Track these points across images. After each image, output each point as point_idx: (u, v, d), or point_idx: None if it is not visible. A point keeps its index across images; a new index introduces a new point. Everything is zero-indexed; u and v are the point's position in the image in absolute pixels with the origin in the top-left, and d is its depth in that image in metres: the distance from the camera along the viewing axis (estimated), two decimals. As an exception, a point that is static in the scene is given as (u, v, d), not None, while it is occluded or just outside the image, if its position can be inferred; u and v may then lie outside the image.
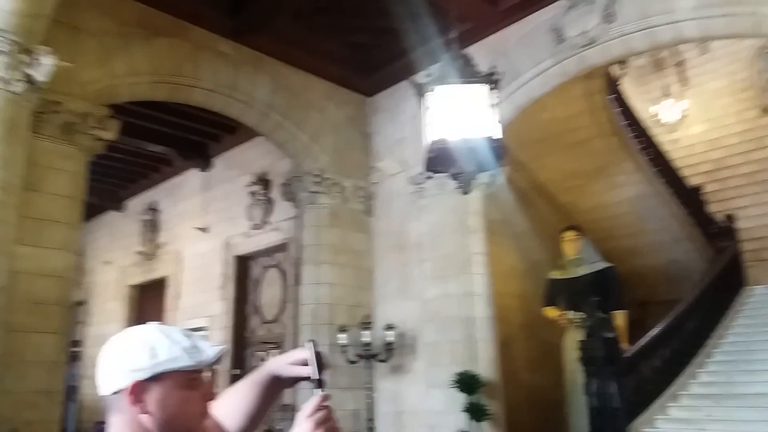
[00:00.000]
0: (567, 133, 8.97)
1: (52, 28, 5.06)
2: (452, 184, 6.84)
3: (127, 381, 1.19)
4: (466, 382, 5.94)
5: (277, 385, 1.51)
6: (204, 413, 1.26)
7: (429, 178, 7.02)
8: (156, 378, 1.19)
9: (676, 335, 8.14)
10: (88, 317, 12.69)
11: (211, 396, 1.28)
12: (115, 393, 1.20)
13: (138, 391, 1.18)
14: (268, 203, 9.08)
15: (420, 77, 3.71)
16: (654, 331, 7.90)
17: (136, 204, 12.17)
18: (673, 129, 12.47)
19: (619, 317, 7.95)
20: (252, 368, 8.70)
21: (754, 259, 11.00)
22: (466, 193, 6.79)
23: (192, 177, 10.88)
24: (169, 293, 10.61)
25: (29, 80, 4.85)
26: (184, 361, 1.22)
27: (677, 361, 7.98)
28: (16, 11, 4.63)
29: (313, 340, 1.45)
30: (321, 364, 1.40)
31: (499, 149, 3.32)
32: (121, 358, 1.21)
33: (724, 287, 9.47)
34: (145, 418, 1.18)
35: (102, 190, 11.92)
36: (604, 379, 7.01)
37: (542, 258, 9.34)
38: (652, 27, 5.93)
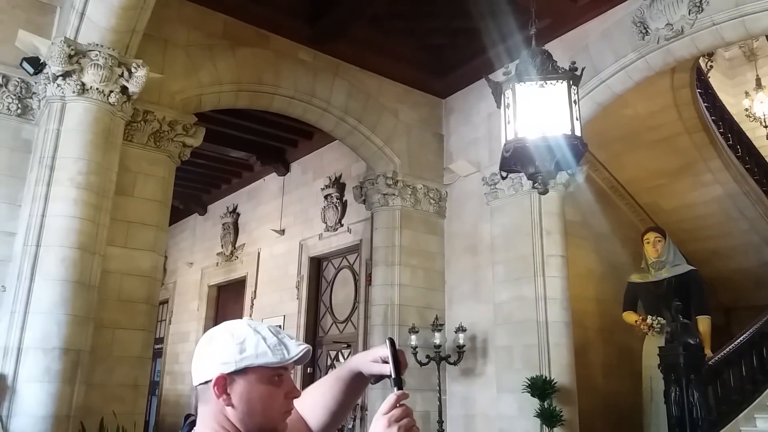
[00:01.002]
0: (650, 130, 8.64)
1: (144, 41, 5.42)
2: (527, 184, 6.83)
3: (215, 373, 1.23)
4: (539, 387, 5.85)
5: (360, 381, 1.53)
6: (287, 410, 1.29)
7: (504, 178, 6.94)
8: (241, 372, 1.22)
9: (765, 342, 7.67)
10: (170, 315, 13.39)
11: (295, 393, 1.30)
12: (204, 383, 1.25)
13: (222, 383, 1.22)
14: (342, 206, 9.28)
15: (497, 76, 3.69)
16: (741, 337, 7.48)
17: (218, 207, 12.74)
18: (766, 123, 11.71)
19: (703, 323, 7.61)
20: (327, 367, 8.96)
21: None
22: (543, 193, 6.67)
23: (270, 181, 11.28)
24: (247, 292, 11.04)
25: (123, 92, 5.24)
26: (269, 357, 1.26)
27: (766, 370, 7.52)
28: (112, 27, 5.01)
29: (391, 338, 1.47)
30: (399, 363, 1.41)
31: (579, 147, 3.26)
32: (212, 350, 1.25)
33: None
34: (230, 411, 1.21)
35: (187, 194, 12.57)
36: (685, 387, 6.72)
37: (622, 261, 9.05)
38: (746, 15, 5.61)
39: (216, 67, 6.45)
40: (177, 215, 13.40)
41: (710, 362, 7.06)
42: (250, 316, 10.78)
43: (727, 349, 7.32)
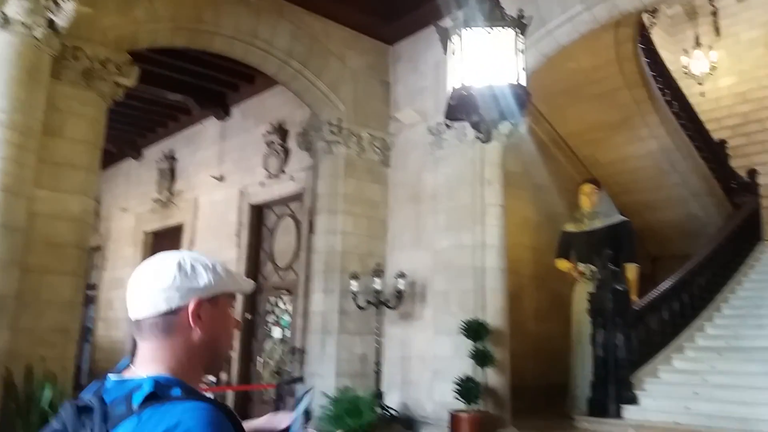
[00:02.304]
0: (592, 84, 8.80)
1: (74, -26, 5.04)
2: (471, 134, 6.86)
3: (186, 299, 1.13)
4: (474, 330, 6.06)
5: None
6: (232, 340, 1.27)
7: (448, 126, 7.01)
8: (213, 299, 1.17)
9: (687, 289, 8.17)
10: (104, 262, 13.04)
11: (238, 324, 1.26)
12: (166, 314, 1.13)
13: (199, 309, 1.14)
14: (285, 153, 9.13)
15: (445, 22, 3.64)
16: (664, 285, 7.94)
17: (154, 152, 12.31)
18: (701, 81, 12.13)
19: (631, 270, 8.02)
20: (266, 313, 8.97)
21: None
22: (486, 141, 6.76)
23: (210, 126, 10.95)
24: (185, 239, 10.84)
25: (50, 26, 4.90)
26: (234, 286, 1.21)
27: (686, 315, 8.05)
28: (37, -42, 4.64)
29: (310, 390, 1.45)
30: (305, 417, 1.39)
31: (523, 97, 3.27)
32: (177, 277, 1.14)
33: (739, 243, 9.43)
34: (196, 340, 1.14)
35: (120, 137, 12.05)
36: (611, 331, 7.12)
37: (558, 211, 9.35)
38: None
39: (152, 3, 6.11)
40: (110, 159, 12.86)
41: (635, 307, 7.49)
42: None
43: (651, 296, 7.77)
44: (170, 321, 1.12)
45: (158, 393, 1.01)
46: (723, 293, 8.59)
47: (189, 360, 1.13)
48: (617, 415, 6.83)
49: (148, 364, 1.11)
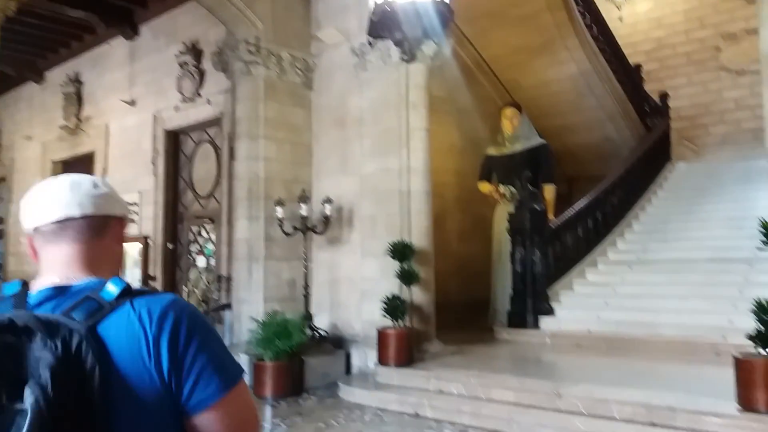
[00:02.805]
0: (515, 6, 8.75)
1: None
2: (396, 56, 6.71)
3: (112, 212, 1.10)
4: (400, 251, 6.14)
5: None
6: None
7: (372, 45, 6.80)
8: (123, 220, 1.15)
9: (600, 208, 8.59)
10: (10, 194, 12.22)
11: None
12: (97, 216, 1.07)
13: (123, 227, 1.14)
14: (200, 75, 8.62)
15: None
16: (579, 204, 8.30)
17: (57, 75, 11.37)
18: (619, 5, 12.33)
19: (548, 191, 8.32)
20: (189, 243, 8.73)
21: (682, 137, 11.49)
22: (410, 61, 6.69)
23: (117, 47, 10.17)
24: (97, 168, 10.24)
25: None
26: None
27: (599, 232, 8.49)
28: None
29: None
30: None
31: (446, 15, 3.18)
32: (102, 189, 1.10)
33: (650, 163, 9.92)
34: (118, 253, 1.13)
35: (18, 59, 11.05)
36: (529, 248, 7.43)
37: (482, 136, 9.45)
38: None
39: None
40: (8, 83, 11.85)
41: (552, 226, 7.81)
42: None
43: (567, 214, 8.12)
44: (102, 224, 1.07)
45: (130, 288, 0.97)
46: (634, 210, 9.10)
47: (118, 267, 1.11)
48: (535, 325, 7.25)
49: (82, 267, 1.03)
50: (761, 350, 3.87)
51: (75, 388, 0.81)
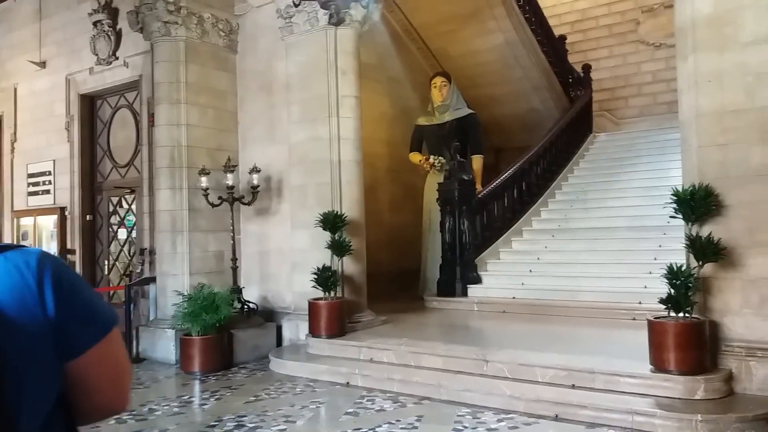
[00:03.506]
0: (443, -28, 8.69)
1: None
2: (323, 20, 6.51)
3: None
4: (330, 222, 6.07)
5: None
6: None
7: (296, 5, 6.56)
8: None
9: (525, 178, 8.81)
10: None
11: None
12: None
13: None
14: (116, 35, 8.11)
15: None
16: (505, 174, 8.47)
17: (-45, 31, 10.43)
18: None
19: (476, 161, 8.45)
20: (110, 214, 8.33)
21: (603, 109, 11.90)
22: (337, 24, 6.51)
23: (23, 2, 9.40)
24: (5, 135, 9.54)
25: None
26: None
27: (524, 201, 8.72)
28: None
29: None
30: None
31: None
32: None
33: (573, 134, 10.23)
34: None
35: None
36: (458, 218, 7.54)
37: (412, 105, 9.42)
38: None
39: None
40: None
41: (480, 195, 7.96)
42: (12, 161, 9.46)
43: (494, 184, 8.28)
44: None
45: None
46: (557, 181, 9.39)
47: None
48: (463, 293, 7.42)
49: None
50: (672, 313, 4.11)
51: None
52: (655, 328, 4.14)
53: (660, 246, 6.70)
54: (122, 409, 1.07)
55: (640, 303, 5.92)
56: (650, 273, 5.95)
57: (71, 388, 0.96)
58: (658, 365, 4.08)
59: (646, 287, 5.99)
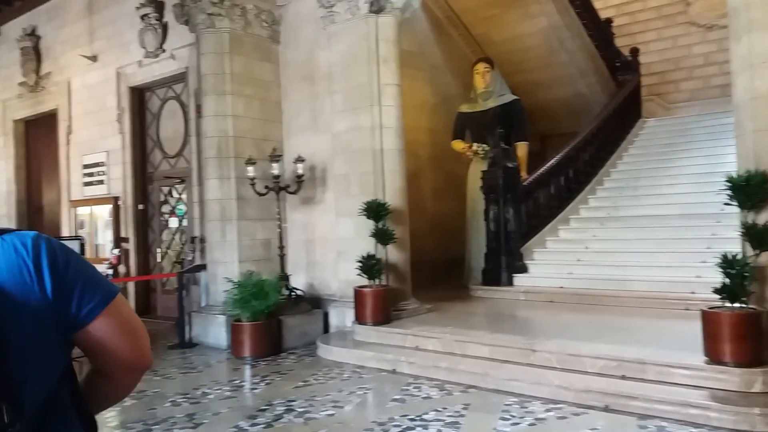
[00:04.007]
0: (485, -44, 8.56)
1: None
2: (363, 8, 6.51)
3: None
4: (374, 210, 6.10)
5: None
6: None
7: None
8: None
9: (572, 165, 8.64)
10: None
11: None
12: None
13: None
14: (163, 28, 8.30)
15: None
16: (551, 161, 8.33)
17: (13, 29, 10.83)
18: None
19: (521, 148, 8.33)
20: (161, 204, 8.56)
21: (652, 93, 11.55)
22: (378, 12, 6.51)
23: (74, -2, 9.72)
24: (61, 127, 9.89)
25: None
26: None
27: (571, 189, 8.57)
28: None
29: None
30: None
31: None
32: None
33: (621, 119, 9.98)
34: None
35: (-32, 11, 10.48)
36: (502, 206, 7.46)
37: (454, 92, 9.34)
38: None
39: None
40: (-41, 38, 11.21)
41: (525, 183, 7.85)
42: (68, 153, 9.81)
43: (540, 172, 8.16)
44: None
45: None
46: (605, 168, 9.19)
47: None
48: (509, 283, 7.36)
49: None
50: (727, 303, 3.99)
51: None
52: (709, 319, 4.04)
53: (713, 234, 6.50)
54: (146, 365, 1.13)
55: (692, 293, 5.76)
56: (703, 262, 5.78)
57: (91, 355, 1.04)
58: (713, 357, 3.97)
59: (699, 277, 5.83)
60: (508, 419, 3.96)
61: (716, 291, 4.03)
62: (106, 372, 1.09)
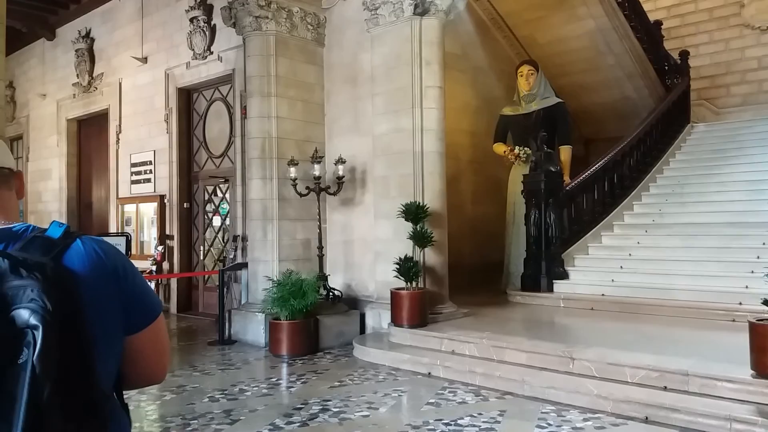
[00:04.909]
0: (531, -42, 8.47)
1: None
2: (408, 10, 6.53)
3: (12, 164, 1.23)
4: (413, 212, 6.10)
5: None
6: None
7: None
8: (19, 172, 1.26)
9: (617, 170, 8.46)
10: (27, 152, 12.30)
11: None
12: (6, 168, 1.20)
13: (22, 177, 1.26)
14: (210, 30, 8.50)
15: None
16: (595, 166, 8.18)
17: (68, 31, 11.27)
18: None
19: (564, 152, 8.20)
20: (205, 202, 8.75)
21: (702, 98, 11.23)
22: (422, 15, 6.52)
23: (126, 1, 10.03)
24: (111, 126, 10.24)
25: None
26: None
27: (615, 194, 8.39)
28: None
29: None
30: None
31: None
32: (3, 146, 1.23)
33: (669, 124, 9.72)
34: (18, 201, 1.25)
35: (28, 14, 10.95)
36: (543, 210, 7.36)
37: (497, 95, 9.27)
38: None
39: None
40: (20, 40, 11.72)
41: (567, 188, 7.73)
42: (117, 151, 10.14)
43: (583, 176, 8.02)
44: (9, 177, 1.20)
45: (69, 229, 1.09)
46: (651, 173, 8.97)
47: (18, 215, 1.22)
48: (549, 289, 7.25)
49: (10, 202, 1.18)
50: (777, 316, 3.84)
51: (63, 300, 0.91)
52: (757, 331, 3.89)
53: (764, 244, 6.28)
54: (161, 380, 1.24)
55: (740, 304, 5.58)
56: (752, 272, 5.60)
57: (124, 359, 1.11)
58: (760, 370, 3.83)
59: (747, 287, 5.63)
60: (544, 427, 3.91)
61: (765, 302, 3.89)
62: (125, 376, 1.14)
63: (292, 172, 6.75)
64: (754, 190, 7.14)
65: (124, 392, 1.14)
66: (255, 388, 5.01)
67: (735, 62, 11.40)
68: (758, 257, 5.90)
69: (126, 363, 1.11)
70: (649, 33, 10.32)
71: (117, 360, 1.08)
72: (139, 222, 9.71)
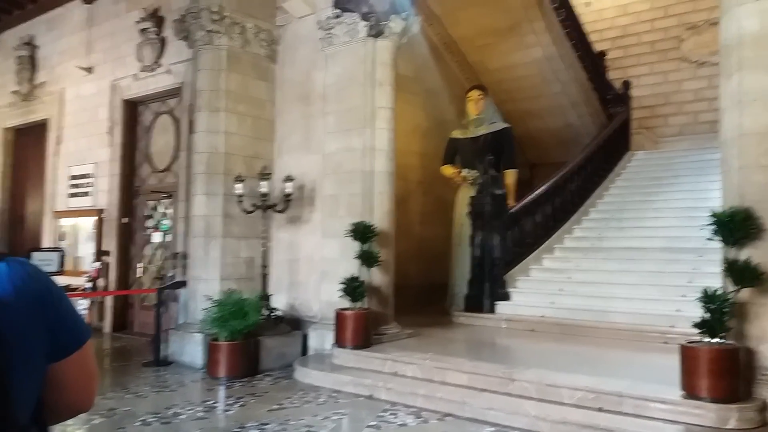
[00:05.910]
0: (484, -16, 8.69)
1: None
2: (362, 31, 6.59)
3: None
4: (360, 232, 6.09)
5: None
6: None
7: (338, 17, 6.66)
8: None
9: (559, 194, 8.69)
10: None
11: None
12: None
13: None
14: (161, 43, 8.35)
15: None
16: (538, 190, 8.38)
17: (10, 38, 10.88)
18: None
19: (510, 176, 8.37)
20: (145, 218, 8.51)
21: (642, 126, 11.69)
22: (377, 36, 6.58)
23: (74, 9, 9.77)
24: (51, 137, 9.89)
25: None
26: None
27: (557, 218, 8.61)
28: None
29: None
30: None
31: None
32: None
33: (609, 152, 10.07)
34: None
35: (-33, 18, 10.54)
36: (488, 232, 7.48)
37: (448, 118, 9.41)
38: None
39: None
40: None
41: (512, 210, 7.88)
42: (55, 163, 9.79)
43: (527, 200, 8.20)
44: None
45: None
46: (592, 199, 9.25)
47: None
48: (491, 310, 7.34)
49: None
50: (707, 338, 3.99)
51: None
52: (687, 353, 4.03)
53: (695, 269, 6.52)
54: (88, 409, 1.19)
55: (672, 326, 5.77)
56: (684, 296, 5.79)
57: (48, 387, 1.06)
58: (690, 391, 3.96)
59: (679, 311, 5.83)
60: (482, 449, 3.92)
61: (696, 325, 4.03)
62: (50, 406, 1.09)
63: (239, 188, 6.64)
64: (687, 216, 7.43)
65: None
66: (190, 412, 4.85)
67: (673, 93, 11.93)
68: (690, 282, 6.13)
69: (52, 391, 1.06)
70: (593, 63, 10.72)
71: (37, 388, 1.02)
72: (75, 237, 9.35)
